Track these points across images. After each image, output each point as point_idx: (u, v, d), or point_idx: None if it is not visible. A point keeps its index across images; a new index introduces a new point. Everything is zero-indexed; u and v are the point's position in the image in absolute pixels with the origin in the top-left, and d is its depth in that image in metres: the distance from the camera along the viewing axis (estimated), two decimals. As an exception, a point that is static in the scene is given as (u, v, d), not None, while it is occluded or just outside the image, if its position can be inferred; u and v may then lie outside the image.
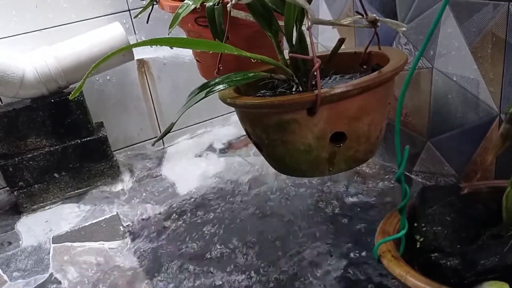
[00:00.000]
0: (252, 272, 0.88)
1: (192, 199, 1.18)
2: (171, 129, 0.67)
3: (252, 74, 0.67)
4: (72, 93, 0.64)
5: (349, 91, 0.60)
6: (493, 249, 0.48)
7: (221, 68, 0.74)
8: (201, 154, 1.45)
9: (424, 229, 0.52)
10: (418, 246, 0.51)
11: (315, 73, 0.57)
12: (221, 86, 0.65)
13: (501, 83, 0.82)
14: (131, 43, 1.25)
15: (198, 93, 0.66)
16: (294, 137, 0.64)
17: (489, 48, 0.82)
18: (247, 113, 0.68)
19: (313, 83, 0.65)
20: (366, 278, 0.79)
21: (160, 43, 0.63)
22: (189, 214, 1.12)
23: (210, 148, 1.48)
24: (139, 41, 1.35)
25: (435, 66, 0.94)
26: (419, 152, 1.06)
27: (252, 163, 1.32)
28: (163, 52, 1.36)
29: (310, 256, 0.89)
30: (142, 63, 1.42)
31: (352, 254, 0.87)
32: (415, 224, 0.53)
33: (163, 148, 1.52)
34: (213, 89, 0.65)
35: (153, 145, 0.70)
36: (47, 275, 0.99)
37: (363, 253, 0.86)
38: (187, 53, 1.33)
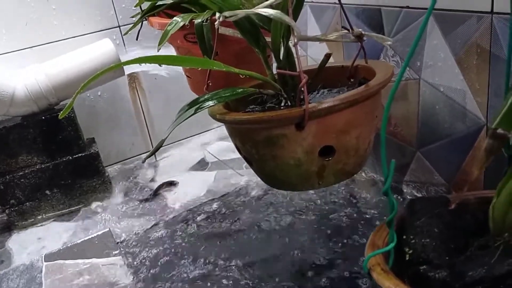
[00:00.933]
0: None
1: (185, 214, 1.18)
2: (161, 145, 0.68)
3: (241, 90, 0.68)
4: (61, 112, 0.64)
5: (336, 106, 0.61)
6: (480, 260, 0.49)
7: (210, 84, 0.74)
8: (193, 168, 1.45)
9: (413, 241, 0.52)
10: (407, 258, 0.51)
11: (302, 88, 0.58)
12: (210, 102, 0.66)
13: (487, 92, 0.84)
14: (121, 59, 1.26)
15: (187, 110, 0.66)
16: (283, 152, 0.65)
17: (475, 59, 0.83)
18: (237, 128, 0.69)
19: (301, 98, 0.66)
20: None
21: (149, 61, 0.64)
22: (182, 229, 1.12)
23: (202, 161, 1.48)
24: (129, 57, 1.37)
25: (422, 77, 0.96)
26: (409, 162, 1.07)
27: (244, 175, 1.32)
28: (153, 66, 1.37)
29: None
30: (133, 78, 1.42)
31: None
32: (404, 237, 0.54)
33: (155, 162, 1.52)
34: (202, 106, 0.65)
35: (143, 162, 0.71)
36: (39, 295, 0.99)
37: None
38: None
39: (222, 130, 1.61)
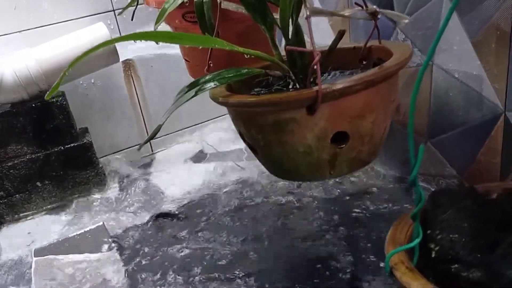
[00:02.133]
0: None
1: (181, 206, 1.13)
2: (158, 131, 0.62)
3: (246, 70, 0.62)
4: (48, 92, 0.58)
5: (352, 87, 0.55)
6: (517, 258, 0.44)
7: (211, 65, 0.69)
8: (190, 160, 1.39)
9: (439, 236, 0.47)
10: (433, 255, 0.46)
11: (315, 67, 0.53)
12: (212, 84, 0.60)
13: (506, 78, 0.78)
14: (116, 45, 1.20)
15: (187, 92, 0.60)
16: (292, 138, 0.59)
17: (493, 42, 0.78)
18: (241, 112, 0.63)
19: (312, 79, 0.61)
20: None
21: (145, 38, 0.58)
22: (178, 222, 1.06)
23: (200, 153, 1.42)
24: (124, 44, 1.30)
25: (436, 63, 0.90)
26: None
27: (243, 167, 1.26)
28: (150, 51, 1.31)
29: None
30: (128, 65, 1.36)
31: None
32: (428, 232, 0.48)
33: (151, 154, 1.46)
34: (203, 87, 0.60)
35: (139, 149, 0.65)
36: (29, 291, 0.93)
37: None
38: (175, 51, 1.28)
39: (222, 121, 1.55)
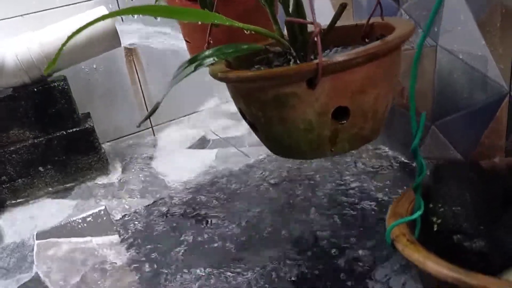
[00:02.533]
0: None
1: (184, 191, 1.12)
2: (157, 108, 0.61)
3: (246, 46, 0.61)
4: (46, 66, 0.58)
5: (353, 60, 0.54)
6: (521, 229, 0.43)
7: (211, 42, 0.68)
8: (193, 146, 1.39)
9: (442, 209, 0.46)
10: (435, 229, 0.45)
11: (315, 38, 0.52)
12: (211, 59, 0.59)
13: (511, 58, 0.77)
14: (118, 29, 1.19)
15: (186, 67, 0.59)
16: (293, 114, 0.58)
17: (499, 21, 0.76)
18: (241, 88, 0.62)
19: (313, 54, 0.60)
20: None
21: (143, 12, 0.57)
22: (180, 207, 1.06)
23: (203, 139, 1.42)
24: (126, 28, 1.30)
25: (440, 44, 0.89)
26: (423, 137, 1.00)
27: (246, 153, 1.26)
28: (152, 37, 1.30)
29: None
30: (130, 50, 1.35)
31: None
32: (431, 205, 0.47)
33: (154, 140, 1.46)
34: (202, 62, 0.59)
35: (138, 126, 0.64)
36: (31, 274, 0.93)
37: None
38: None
39: (224, 107, 1.54)
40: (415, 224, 0.46)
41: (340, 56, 0.54)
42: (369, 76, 0.57)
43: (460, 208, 0.45)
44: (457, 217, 0.44)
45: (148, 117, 0.62)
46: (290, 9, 0.61)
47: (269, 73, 0.57)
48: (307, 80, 0.55)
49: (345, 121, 0.59)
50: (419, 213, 0.44)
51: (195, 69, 0.59)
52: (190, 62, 0.60)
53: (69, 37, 0.57)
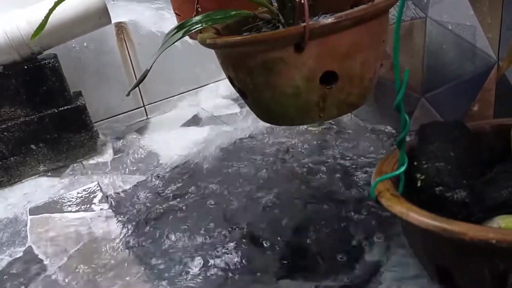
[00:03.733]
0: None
1: (175, 168, 1.13)
2: (145, 75, 0.61)
3: (234, 12, 0.61)
4: (33, 33, 0.58)
5: (340, 22, 0.54)
6: (503, 183, 0.44)
7: (199, 10, 0.68)
8: (186, 124, 1.39)
9: (425, 166, 0.47)
10: (418, 185, 0.46)
11: (302, 1, 0.52)
12: (199, 25, 0.59)
13: (499, 27, 0.77)
14: (108, 8, 1.18)
15: (175, 33, 0.60)
16: (281, 79, 0.59)
17: (487, -10, 0.77)
18: (229, 54, 0.62)
19: (301, 18, 0.60)
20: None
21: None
22: (172, 183, 1.07)
23: (195, 118, 1.42)
24: (117, 7, 1.29)
25: (429, 15, 0.89)
26: (413, 110, 1.01)
27: (237, 129, 1.26)
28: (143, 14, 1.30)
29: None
30: (120, 28, 1.35)
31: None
32: (415, 163, 0.48)
33: (146, 119, 1.46)
34: (191, 28, 0.59)
35: (127, 95, 0.65)
36: (24, 248, 0.93)
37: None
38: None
39: (217, 86, 1.54)
40: (400, 181, 0.46)
41: (327, 19, 0.55)
42: (356, 40, 0.58)
43: (444, 164, 0.46)
44: (440, 172, 0.45)
45: (137, 85, 0.62)
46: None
47: (256, 38, 0.57)
48: (295, 45, 0.56)
49: (333, 86, 0.59)
50: (402, 168, 0.45)
51: (183, 35, 0.59)
52: (179, 28, 0.60)
53: (57, 2, 0.57)
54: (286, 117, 0.63)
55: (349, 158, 1.00)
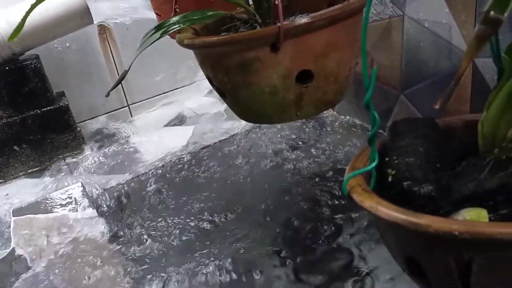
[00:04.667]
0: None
1: (159, 167, 1.13)
2: (124, 76, 0.62)
3: (211, 12, 0.62)
4: (11, 35, 0.58)
5: (314, 22, 0.56)
6: (469, 176, 0.45)
7: (178, 10, 0.69)
8: (170, 123, 1.39)
9: (396, 161, 0.48)
10: (389, 180, 0.48)
11: (276, 2, 0.53)
12: (177, 26, 0.60)
13: (473, 24, 0.79)
14: (90, 7, 1.18)
15: (153, 34, 0.60)
16: (258, 78, 0.60)
17: (460, -12, 0.79)
18: (207, 54, 0.63)
19: (276, 18, 0.61)
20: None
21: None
22: (155, 183, 1.07)
23: (179, 117, 1.42)
24: (98, 7, 1.28)
25: (406, 13, 0.91)
26: (392, 107, 1.03)
27: (222, 128, 1.27)
28: (126, 14, 1.30)
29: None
30: (103, 28, 1.35)
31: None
32: (387, 159, 0.50)
33: (130, 119, 1.46)
34: (168, 29, 0.60)
35: (106, 96, 0.65)
36: (8, 250, 0.93)
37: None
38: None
39: (200, 85, 1.55)
40: (371, 176, 0.48)
41: (302, 19, 0.56)
42: (331, 40, 0.59)
43: (413, 159, 0.47)
44: (409, 167, 0.46)
45: (116, 85, 0.63)
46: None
47: (233, 38, 0.59)
48: (270, 44, 0.57)
49: (309, 84, 0.61)
50: (373, 164, 0.46)
51: (161, 35, 0.60)
52: (157, 29, 0.61)
53: (35, 4, 0.57)
54: (264, 116, 0.64)
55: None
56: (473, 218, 0.42)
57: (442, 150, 0.51)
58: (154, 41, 0.60)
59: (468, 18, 0.79)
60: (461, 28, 0.81)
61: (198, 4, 0.69)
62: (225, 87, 0.64)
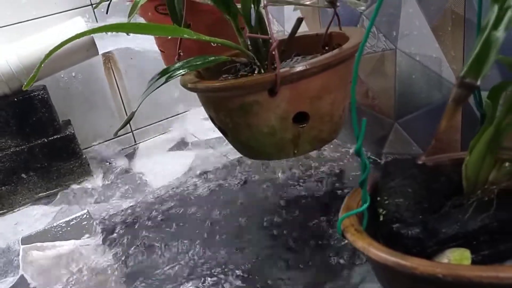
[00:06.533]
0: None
1: (164, 194, 1.17)
2: (132, 117, 0.66)
3: (213, 58, 0.66)
4: (26, 83, 0.62)
5: (309, 70, 0.60)
6: (454, 217, 0.49)
7: (181, 54, 0.73)
8: (173, 148, 1.43)
9: (387, 202, 0.52)
10: (381, 219, 0.51)
11: (274, 52, 0.57)
12: (181, 71, 0.64)
13: (462, 60, 0.83)
14: (94, 39, 1.23)
15: (158, 79, 0.64)
16: (257, 120, 0.64)
17: (449, 26, 0.83)
18: (210, 97, 0.67)
19: (273, 63, 0.65)
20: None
21: (116, 29, 0.62)
22: (162, 208, 1.11)
23: (182, 142, 1.46)
24: (103, 37, 1.33)
25: (399, 47, 0.95)
26: (387, 134, 1.07)
27: (225, 152, 1.31)
28: (130, 44, 1.34)
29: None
30: (108, 58, 1.39)
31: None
32: (378, 198, 0.53)
33: (134, 144, 1.50)
34: (173, 74, 0.64)
35: (115, 134, 0.69)
36: (17, 277, 0.97)
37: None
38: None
39: (202, 110, 1.59)
40: (364, 217, 0.51)
41: (297, 66, 0.60)
42: (325, 84, 0.63)
43: (402, 200, 0.51)
44: (398, 208, 0.50)
45: (124, 125, 0.67)
46: (253, 23, 0.66)
47: (233, 84, 0.63)
48: (268, 89, 0.61)
49: (305, 125, 0.64)
50: (365, 206, 0.49)
51: (166, 80, 0.64)
52: (162, 74, 0.65)
53: (47, 55, 0.62)
54: (264, 153, 0.68)
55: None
56: (456, 259, 0.45)
57: (429, 190, 0.54)
58: (159, 86, 0.64)
59: (457, 54, 0.84)
60: (451, 63, 0.85)
61: (201, 44, 0.73)
62: (227, 126, 0.68)
